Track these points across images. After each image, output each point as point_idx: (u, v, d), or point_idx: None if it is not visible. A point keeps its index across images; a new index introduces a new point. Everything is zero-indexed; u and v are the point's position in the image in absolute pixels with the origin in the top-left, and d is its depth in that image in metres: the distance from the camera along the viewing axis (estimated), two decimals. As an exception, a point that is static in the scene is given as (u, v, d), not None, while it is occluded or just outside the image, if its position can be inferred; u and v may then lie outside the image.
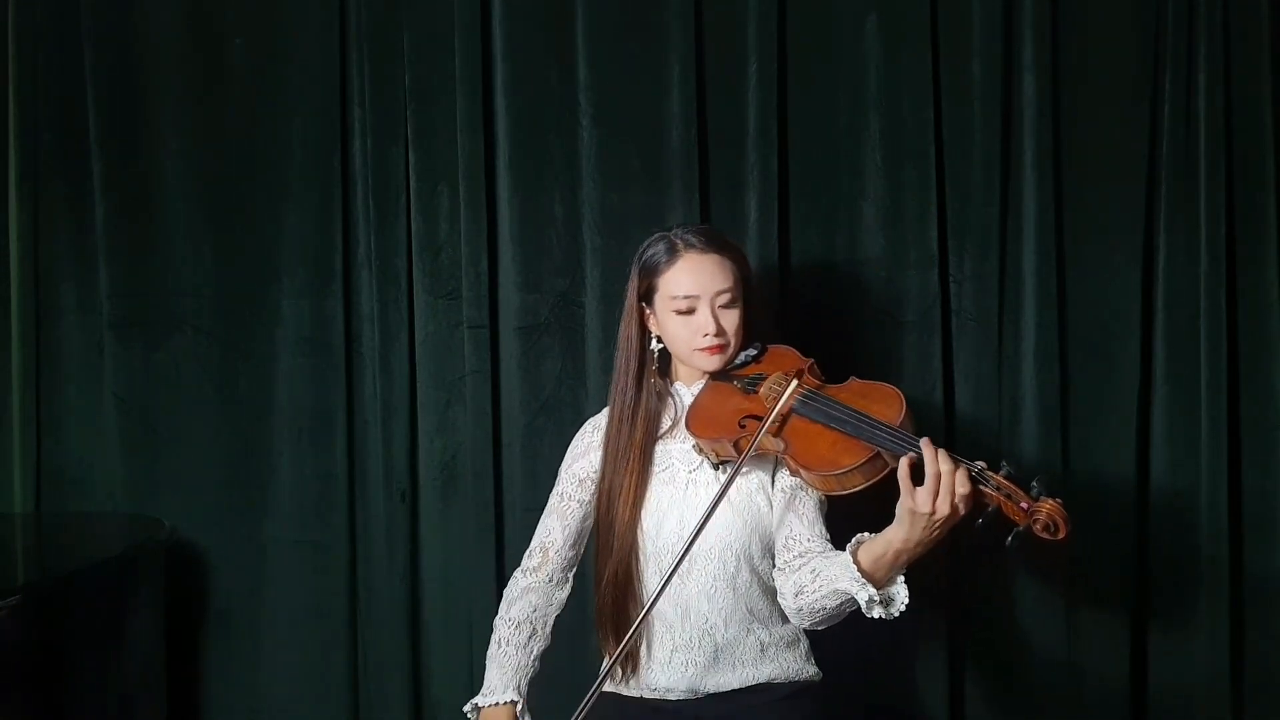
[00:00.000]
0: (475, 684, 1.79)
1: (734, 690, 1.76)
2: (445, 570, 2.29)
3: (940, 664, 2.15)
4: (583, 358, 2.22)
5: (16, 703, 1.80)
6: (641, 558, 1.77)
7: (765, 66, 2.14)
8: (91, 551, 2.10)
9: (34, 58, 2.37)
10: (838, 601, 1.60)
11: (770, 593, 1.75)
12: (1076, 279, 2.14)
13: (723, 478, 1.72)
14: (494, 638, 1.80)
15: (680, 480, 1.78)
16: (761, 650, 1.77)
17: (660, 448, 1.80)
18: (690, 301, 1.75)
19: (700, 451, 1.76)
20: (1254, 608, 2.14)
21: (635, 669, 1.78)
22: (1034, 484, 1.51)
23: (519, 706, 1.73)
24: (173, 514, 2.29)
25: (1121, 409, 2.14)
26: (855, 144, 2.17)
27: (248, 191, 2.32)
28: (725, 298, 1.76)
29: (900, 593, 1.58)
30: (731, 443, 1.70)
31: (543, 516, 1.87)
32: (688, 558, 1.65)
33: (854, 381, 1.75)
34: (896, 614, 1.58)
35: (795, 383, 1.70)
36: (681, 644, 1.76)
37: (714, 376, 1.81)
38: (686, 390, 1.84)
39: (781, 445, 1.66)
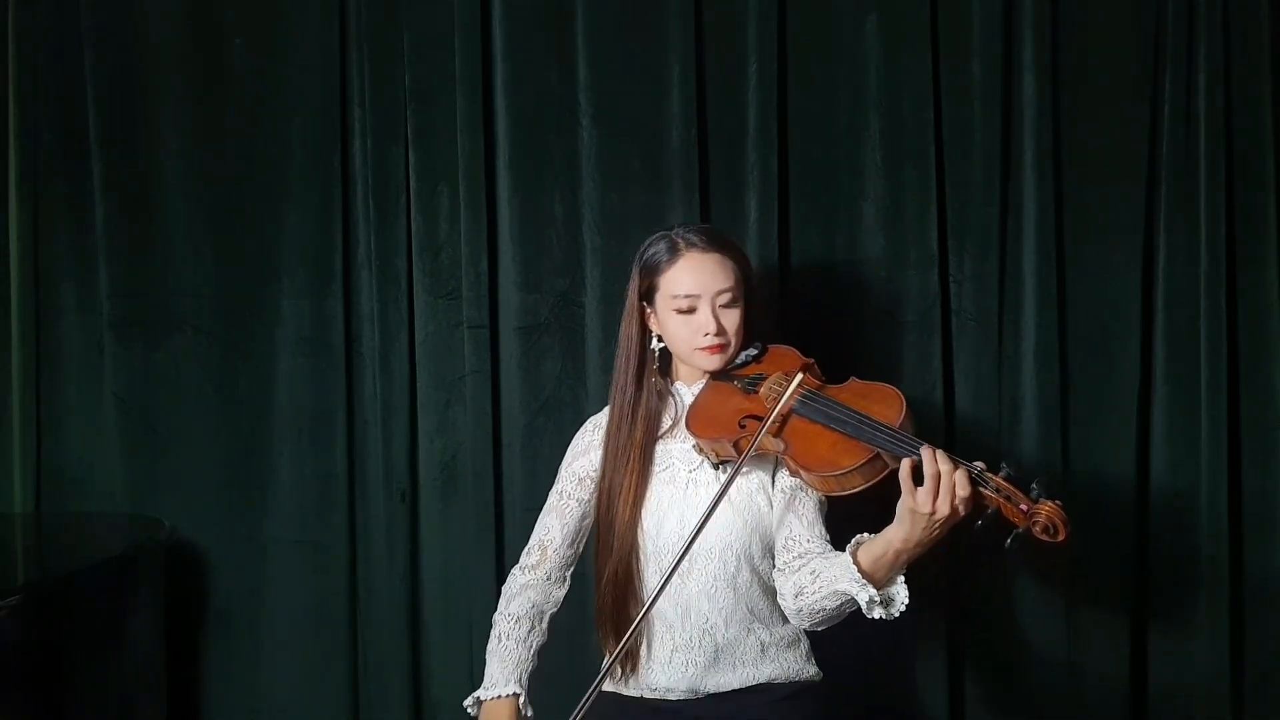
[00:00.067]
0: (475, 684, 1.79)
1: (734, 690, 1.76)
2: (445, 570, 2.29)
3: (940, 664, 2.15)
4: (583, 358, 2.22)
5: (16, 703, 1.80)
6: (642, 557, 1.77)
7: (765, 66, 2.14)
8: (91, 551, 2.10)
9: (34, 58, 2.37)
10: (838, 602, 1.60)
11: (770, 593, 1.75)
12: (1076, 279, 2.14)
13: (723, 478, 1.72)
14: (493, 633, 1.80)
15: (681, 480, 1.78)
16: (762, 650, 1.77)
17: (661, 447, 1.80)
18: (691, 301, 1.75)
19: (700, 451, 1.76)
20: (1254, 608, 2.14)
21: (635, 668, 1.78)
22: (1034, 486, 1.51)
23: (521, 699, 1.72)
24: (173, 514, 2.29)
25: (1121, 409, 2.14)
26: (855, 144, 2.17)
27: (248, 191, 2.32)
28: (726, 297, 1.76)
29: (900, 593, 1.59)
30: (731, 443, 1.70)
31: (542, 514, 1.87)
32: (688, 557, 1.65)
33: (854, 382, 1.75)
34: (897, 614, 1.58)
35: (801, 375, 1.69)
36: (682, 644, 1.76)
37: (714, 376, 1.81)
38: (687, 390, 1.84)
39: (781, 445, 1.66)
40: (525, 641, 1.77)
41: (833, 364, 1.79)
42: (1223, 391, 2.09)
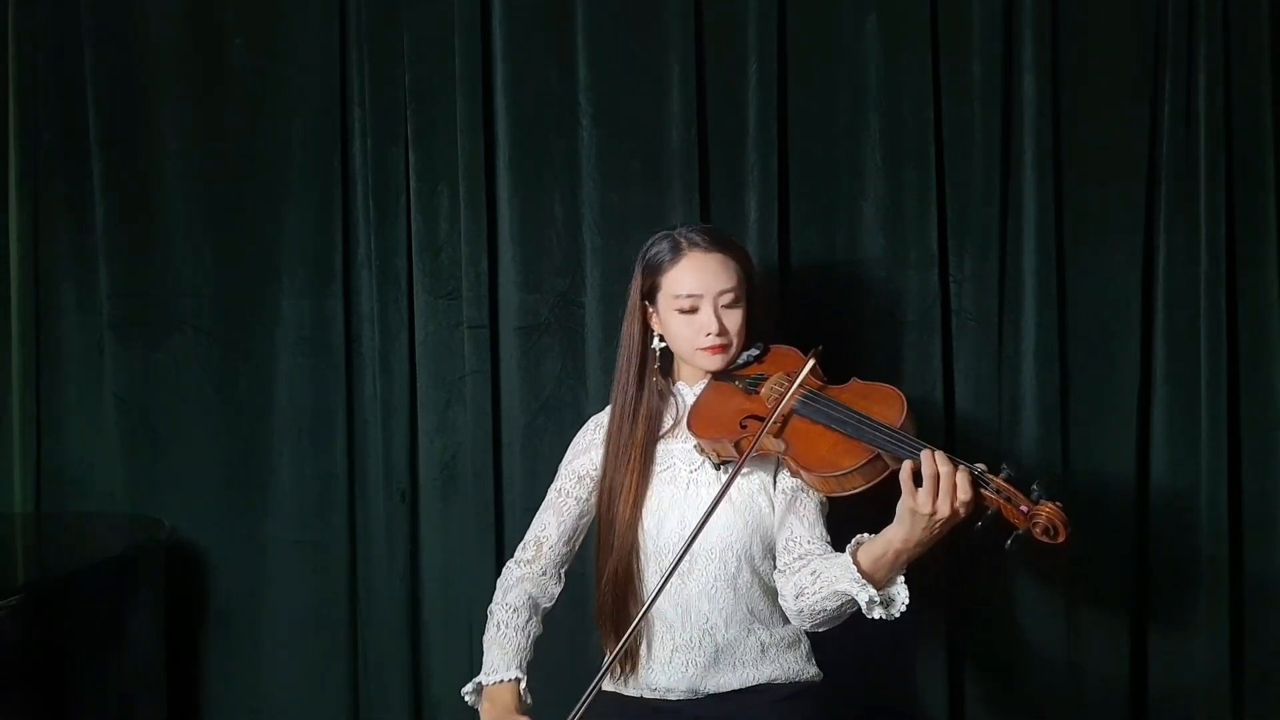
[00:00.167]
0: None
1: (734, 691, 1.76)
2: (445, 570, 2.29)
3: (940, 664, 2.15)
4: (583, 358, 2.22)
5: (16, 703, 1.80)
6: (642, 557, 1.77)
7: (765, 66, 2.14)
8: (91, 551, 2.10)
9: (34, 58, 2.37)
10: (838, 603, 1.60)
11: (771, 593, 1.75)
12: (1076, 279, 2.14)
13: (724, 478, 1.72)
14: (491, 622, 1.78)
15: (682, 480, 1.78)
16: (762, 651, 1.77)
17: (662, 447, 1.80)
18: (693, 300, 1.75)
19: (701, 451, 1.76)
20: (1254, 608, 2.14)
21: (635, 668, 1.78)
22: (1034, 487, 1.51)
23: (522, 685, 1.70)
24: (173, 514, 2.29)
25: (1121, 409, 2.14)
26: (855, 144, 2.16)
27: (248, 191, 2.32)
28: (728, 297, 1.76)
29: (900, 593, 1.59)
30: (733, 443, 1.70)
31: (539, 510, 1.87)
32: (688, 557, 1.65)
33: (855, 382, 1.75)
34: (897, 615, 1.59)
35: (812, 362, 1.69)
36: (682, 644, 1.76)
37: (716, 376, 1.81)
38: (688, 390, 1.84)
39: (782, 446, 1.66)
40: (524, 630, 1.76)
41: (833, 364, 1.78)
42: (1223, 391, 2.09)
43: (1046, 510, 1.49)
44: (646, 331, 1.83)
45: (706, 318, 1.75)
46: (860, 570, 1.56)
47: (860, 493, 1.61)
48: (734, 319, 1.77)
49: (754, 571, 1.75)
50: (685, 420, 1.78)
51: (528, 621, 1.77)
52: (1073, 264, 2.14)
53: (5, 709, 1.79)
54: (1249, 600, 2.14)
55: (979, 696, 2.17)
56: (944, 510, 1.49)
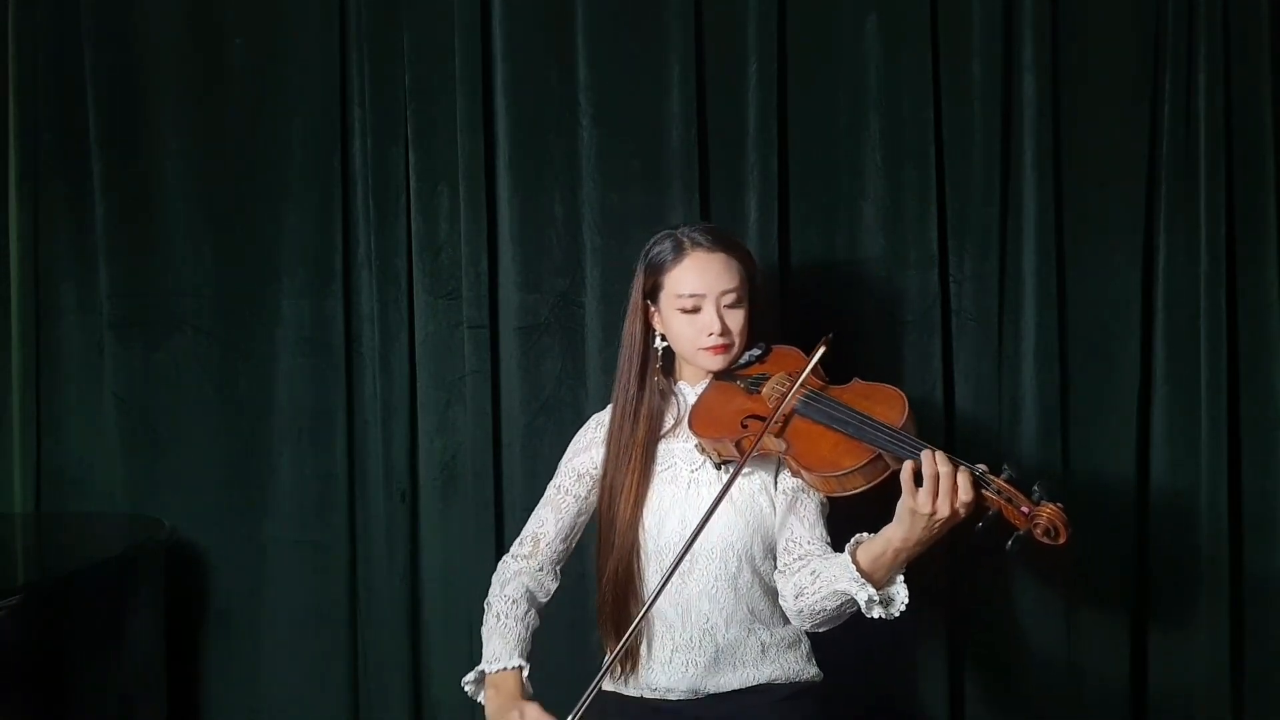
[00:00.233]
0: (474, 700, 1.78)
1: (734, 691, 1.76)
2: (445, 570, 2.29)
3: (940, 664, 2.15)
4: (583, 358, 2.22)
5: (16, 703, 1.80)
6: (643, 556, 1.77)
7: (765, 66, 2.14)
8: (91, 551, 2.10)
9: (34, 58, 2.37)
10: (838, 602, 1.60)
11: (771, 593, 1.75)
12: (1076, 279, 2.14)
13: (725, 477, 1.72)
14: (489, 614, 1.77)
15: (683, 479, 1.78)
16: (762, 651, 1.77)
17: (663, 446, 1.80)
18: (696, 300, 1.75)
19: (703, 451, 1.76)
20: (1254, 608, 2.14)
21: (635, 668, 1.78)
22: (1035, 488, 1.50)
23: (525, 673, 1.68)
24: (173, 514, 2.29)
25: (1121, 409, 2.14)
26: (855, 144, 2.17)
27: (248, 191, 2.32)
28: (731, 297, 1.76)
29: (900, 593, 1.58)
30: (734, 443, 1.70)
31: (538, 506, 1.87)
32: (688, 557, 1.65)
33: (857, 383, 1.75)
34: (896, 614, 1.58)
35: (821, 349, 1.69)
36: (682, 644, 1.76)
37: (717, 376, 1.81)
38: (690, 389, 1.84)
39: (783, 446, 1.66)
40: (523, 621, 1.75)
41: (833, 364, 1.78)
42: (1223, 391, 2.09)
43: (1047, 511, 1.48)
44: (648, 331, 1.83)
45: (709, 317, 1.75)
46: (859, 569, 1.56)
47: (861, 493, 1.61)
48: (736, 319, 1.77)
49: (754, 571, 1.75)
50: (686, 420, 1.78)
51: (526, 613, 1.76)
52: (1073, 264, 2.14)
53: (5, 709, 1.79)
54: (1249, 600, 2.14)
55: (979, 696, 2.17)
56: (944, 510, 1.49)
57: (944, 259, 2.15)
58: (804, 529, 1.71)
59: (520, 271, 2.22)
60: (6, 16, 2.37)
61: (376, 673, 2.32)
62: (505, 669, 1.68)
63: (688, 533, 1.66)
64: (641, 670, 1.78)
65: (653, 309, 1.82)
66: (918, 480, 1.52)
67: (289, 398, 2.32)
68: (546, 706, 1.65)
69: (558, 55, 2.20)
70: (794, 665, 1.79)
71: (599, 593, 1.82)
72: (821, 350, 1.71)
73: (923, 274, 2.15)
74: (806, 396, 1.69)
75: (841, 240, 2.18)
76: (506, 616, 1.75)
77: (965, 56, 2.13)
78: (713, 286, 1.75)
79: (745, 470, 1.69)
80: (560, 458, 1.91)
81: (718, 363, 1.78)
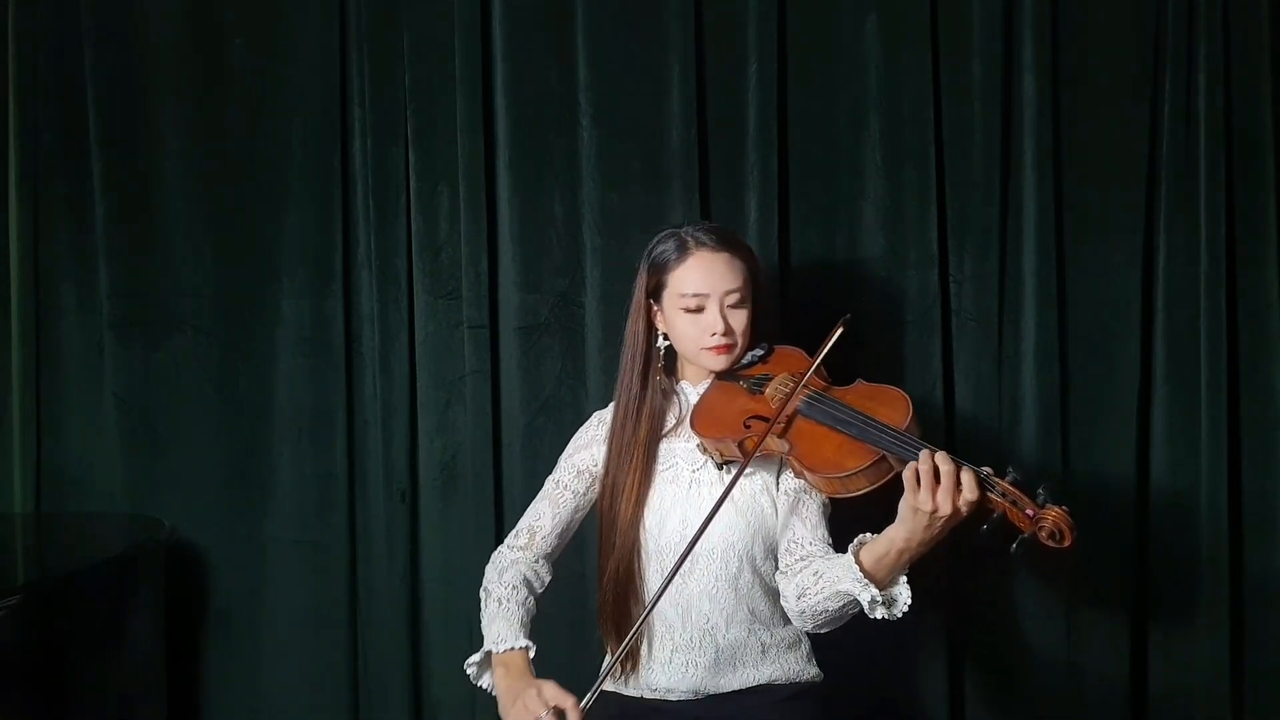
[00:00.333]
0: (475, 683, 1.77)
1: (735, 691, 1.76)
2: (445, 570, 2.28)
3: (941, 664, 2.15)
4: (583, 358, 2.22)
5: (16, 703, 1.80)
6: (643, 556, 1.77)
7: (765, 66, 2.14)
8: (91, 551, 2.10)
9: (34, 58, 2.37)
10: (840, 603, 1.60)
11: (771, 594, 1.75)
12: (1076, 279, 2.14)
13: (726, 478, 1.72)
14: (490, 599, 1.75)
15: (684, 479, 1.78)
16: (763, 651, 1.77)
17: (664, 446, 1.80)
18: (699, 300, 1.75)
19: (704, 451, 1.76)
20: (1254, 608, 2.14)
21: (635, 668, 1.78)
22: (1040, 491, 1.50)
23: (531, 653, 1.66)
24: (173, 514, 2.28)
25: (1121, 409, 2.14)
26: (855, 144, 2.17)
27: (248, 191, 2.32)
28: (734, 297, 1.76)
29: (903, 593, 1.58)
30: (736, 443, 1.69)
31: (535, 500, 1.87)
32: (689, 557, 1.65)
33: (860, 384, 1.75)
34: (899, 615, 1.58)
35: (840, 330, 1.69)
36: (682, 644, 1.76)
37: (720, 376, 1.81)
38: (692, 389, 1.84)
39: (786, 446, 1.66)
40: (524, 606, 1.73)
41: (834, 365, 1.78)
42: (1223, 391, 2.09)
43: (1052, 514, 1.47)
44: (651, 330, 1.83)
45: (712, 317, 1.75)
46: (863, 570, 1.56)
47: (864, 494, 1.61)
48: (739, 319, 1.77)
49: (755, 572, 1.75)
50: (689, 419, 1.78)
51: (526, 599, 1.75)
52: (1073, 264, 2.14)
53: (5, 709, 1.78)
54: (1249, 600, 2.14)
55: (979, 697, 2.17)
56: (945, 507, 1.49)
57: (944, 259, 2.15)
58: (806, 530, 1.71)
59: (520, 271, 2.22)
60: (6, 16, 2.37)
61: (376, 673, 2.31)
62: (513, 649, 1.66)
63: (688, 533, 1.66)
64: (642, 670, 1.78)
65: (655, 308, 1.81)
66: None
67: (289, 398, 2.32)
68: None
69: (558, 55, 2.20)
70: (794, 666, 1.79)
71: (599, 592, 1.82)
72: (840, 331, 1.70)
73: (923, 274, 2.15)
74: (810, 397, 1.69)
75: (841, 240, 2.18)
76: (508, 601, 1.73)
77: (965, 56, 2.13)
78: (716, 286, 1.75)
79: (747, 470, 1.69)
80: (560, 457, 1.91)
81: (720, 363, 1.78)
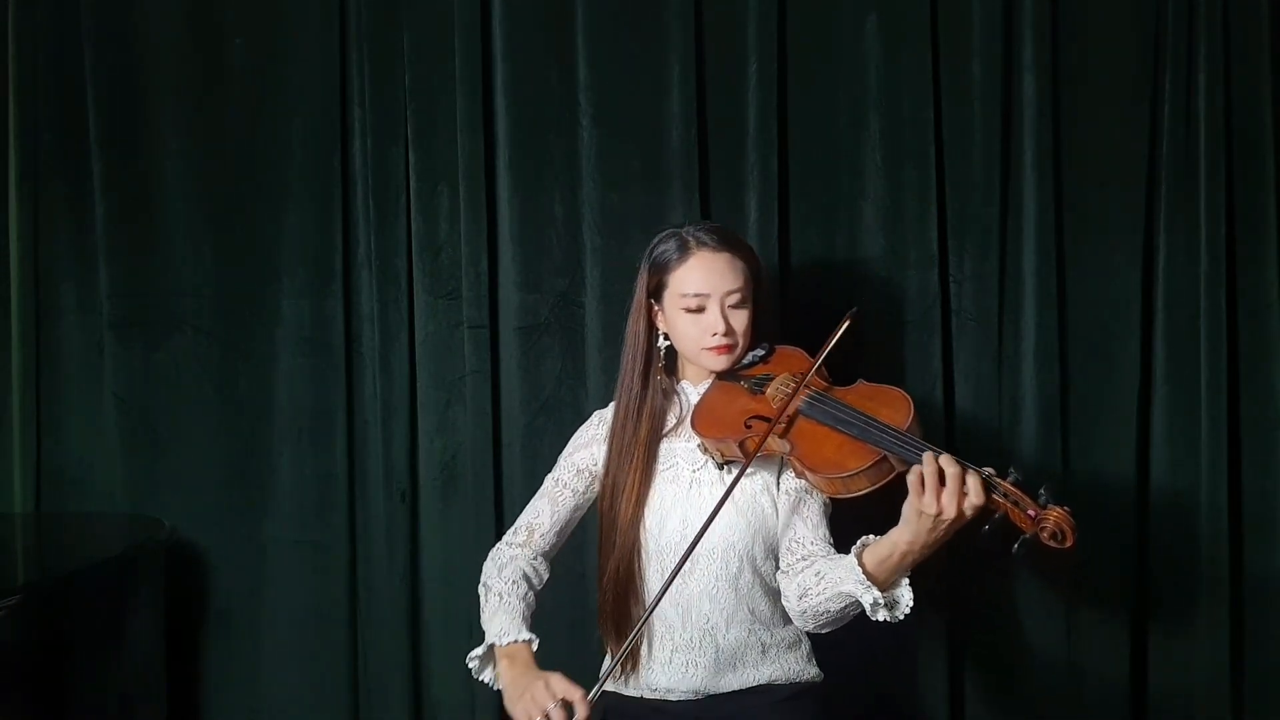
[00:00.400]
0: (475, 683, 1.76)
1: (735, 691, 1.76)
2: (445, 570, 2.28)
3: (941, 665, 2.15)
4: (583, 358, 2.22)
5: (16, 703, 1.80)
6: (643, 556, 1.77)
7: (765, 66, 2.14)
8: (91, 551, 2.10)
9: (34, 58, 2.37)
10: (842, 604, 1.60)
11: (772, 594, 1.75)
12: (1076, 279, 2.14)
13: (727, 478, 1.72)
14: (490, 594, 1.74)
15: (684, 479, 1.78)
16: (763, 652, 1.77)
17: (665, 446, 1.80)
18: (700, 300, 1.75)
19: (705, 451, 1.76)
20: (1254, 608, 2.14)
21: (635, 668, 1.78)
22: (1042, 491, 1.50)
23: (534, 646, 1.66)
24: (173, 514, 2.29)
25: (1121, 409, 2.14)
26: (855, 144, 2.17)
27: (248, 191, 2.32)
28: (735, 297, 1.76)
29: (905, 595, 1.58)
30: (737, 443, 1.69)
31: (534, 498, 1.87)
32: (689, 558, 1.65)
33: (861, 384, 1.75)
34: (901, 617, 1.58)
35: (846, 323, 1.69)
36: (682, 644, 1.76)
37: (721, 376, 1.81)
38: (693, 389, 1.84)
39: (788, 447, 1.66)
40: (525, 599, 1.73)
41: (835, 365, 1.78)
42: (1223, 391, 2.10)
43: (1054, 515, 1.48)
44: (651, 330, 1.82)
45: (713, 317, 1.75)
46: (865, 572, 1.56)
47: (866, 494, 1.61)
48: (740, 319, 1.77)
49: (755, 572, 1.75)
50: (689, 419, 1.78)
51: (526, 593, 1.75)
52: (1073, 264, 2.14)
53: (5, 709, 1.78)
54: (1249, 600, 2.14)
55: (979, 697, 2.17)
56: (951, 510, 1.49)
57: (944, 259, 2.15)
58: (808, 530, 1.71)
59: (520, 271, 2.22)
60: (6, 16, 2.37)
61: (376, 673, 2.31)
62: (517, 641, 1.66)
63: (689, 533, 1.66)
64: (642, 670, 1.78)
65: (656, 308, 1.81)
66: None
67: (289, 398, 2.32)
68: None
69: (558, 55, 2.20)
70: (795, 666, 1.79)
71: (599, 592, 1.82)
72: (846, 324, 1.70)
73: (923, 274, 2.15)
74: (811, 398, 1.69)
75: (841, 240, 2.18)
76: (509, 595, 1.73)
77: (965, 56, 2.13)
78: (717, 286, 1.75)
79: (747, 471, 1.69)
80: (560, 455, 1.91)
81: (721, 363, 1.78)
